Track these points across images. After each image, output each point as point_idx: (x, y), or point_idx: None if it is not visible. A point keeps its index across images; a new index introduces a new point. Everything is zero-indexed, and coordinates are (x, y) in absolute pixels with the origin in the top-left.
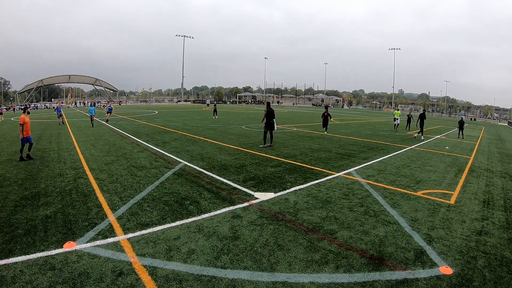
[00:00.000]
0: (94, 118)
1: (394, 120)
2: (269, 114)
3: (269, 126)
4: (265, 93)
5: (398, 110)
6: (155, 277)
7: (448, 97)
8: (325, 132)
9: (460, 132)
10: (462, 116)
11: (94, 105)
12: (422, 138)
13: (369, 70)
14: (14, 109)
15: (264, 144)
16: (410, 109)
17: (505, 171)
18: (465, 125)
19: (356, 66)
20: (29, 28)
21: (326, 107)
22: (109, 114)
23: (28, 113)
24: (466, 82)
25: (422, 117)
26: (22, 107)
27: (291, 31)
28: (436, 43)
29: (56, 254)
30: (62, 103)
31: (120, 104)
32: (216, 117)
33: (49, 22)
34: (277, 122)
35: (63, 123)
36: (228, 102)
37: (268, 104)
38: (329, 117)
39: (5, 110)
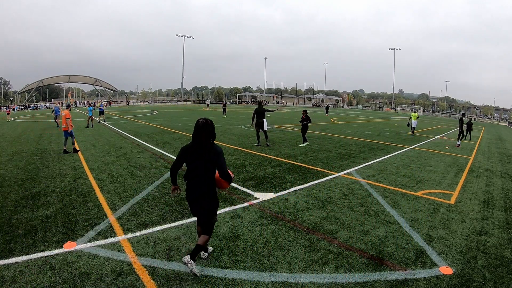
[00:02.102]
0: (94, 118)
1: (409, 124)
2: (258, 114)
3: (258, 125)
4: (265, 93)
5: (415, 112)
6: (155, 277)
7: (448, 97)
8: (304, 144)
9: (468, 133)
10: (470, 117)
11: (92, 105)
12: (458, 144)
13: (369, 70)
14: (14, 109)
15: (258, 142)
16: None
17: (505, 171)
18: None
19: (356, 66)
20: (29, 28)
21: (327, 107)
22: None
23: (70, 109)
24: (466, 82)
25: (461, 121)
26: (66, 105)
27: (291, 31)
28: (436, 43)
29: (56, 254)
30: (59, 103)
31: (128, 104)
32: (225, 116)
33: (49, 22)
34: (277, 122)
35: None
36: (228, 102)
37: (260, 103)
38: (308, 122)
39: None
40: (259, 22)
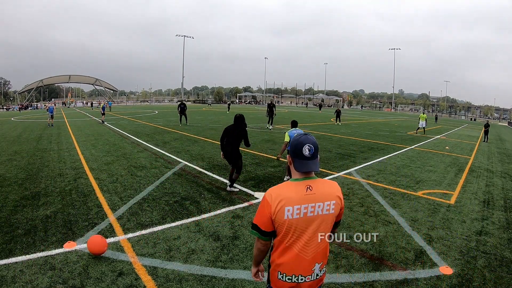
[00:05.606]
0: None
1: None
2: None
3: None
4: (265, 93)
5: (423, 113)
6: (155, 277)
7: (448, 97)
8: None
9: (486, 136)
10: (488, 119)
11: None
12: None
13: (369, 70)
14: (23, 108)
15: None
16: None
17: (505, 171)
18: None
19: (355, 66)
20: (29, 27)
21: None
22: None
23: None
24: (466, 82)
25: None
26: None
27: (292, 31)
28: (437, 43)
29: (56, 254)
30: (51, 103)
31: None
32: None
33: (49, 22)
34: (277, 122)
35: (52, 124)
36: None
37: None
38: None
39: (5, 110)
40: (259, 20)
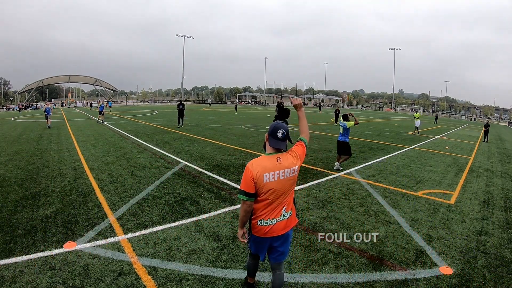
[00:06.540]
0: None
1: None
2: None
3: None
4: (265, 93)
5: (417, 112)
6: (155, 277)
7: (448, 97)
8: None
9: (486, 136)
10: (488, 119)
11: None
12: None
13: (369, 70)
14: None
15: None
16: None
17: (505, 171)
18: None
19: (355, 66)
20: (29, 27)
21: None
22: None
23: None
24: (466, 82)
25: None
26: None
27: (292, 31)
28: (437, 43)
29: (56, 254)
30: (49, 104)
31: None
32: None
33: (49, 22)
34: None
35: (50, 124)
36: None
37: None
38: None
39: (5, 110)
40: (259, 20)
